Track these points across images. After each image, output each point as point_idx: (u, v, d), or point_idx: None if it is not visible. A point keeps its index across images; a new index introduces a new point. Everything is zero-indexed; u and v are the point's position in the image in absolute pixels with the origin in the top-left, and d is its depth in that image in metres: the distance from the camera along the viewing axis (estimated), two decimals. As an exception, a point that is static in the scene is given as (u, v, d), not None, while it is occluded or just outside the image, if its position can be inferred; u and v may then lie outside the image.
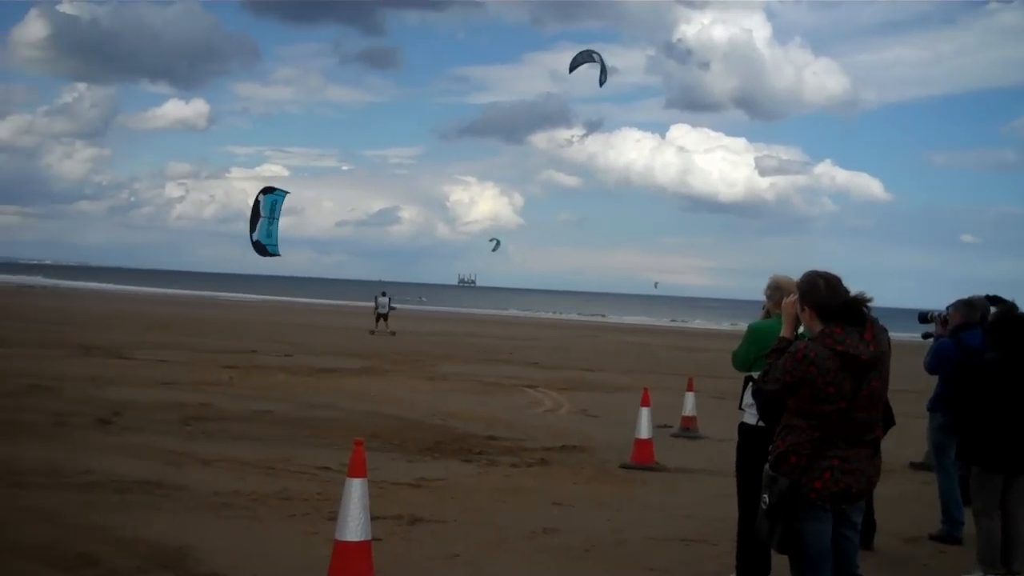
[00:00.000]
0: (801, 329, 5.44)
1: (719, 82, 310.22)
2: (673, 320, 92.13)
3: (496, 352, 33.47)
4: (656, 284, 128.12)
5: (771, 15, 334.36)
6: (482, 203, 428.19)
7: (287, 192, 23.00)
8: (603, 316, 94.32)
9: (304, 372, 22.69)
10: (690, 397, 15.47)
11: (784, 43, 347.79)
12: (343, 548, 6.43)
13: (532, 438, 14.06)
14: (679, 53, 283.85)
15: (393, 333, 40.50)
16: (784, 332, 5.40)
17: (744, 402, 7.00)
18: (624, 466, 12.14)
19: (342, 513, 6.48)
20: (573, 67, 31.79)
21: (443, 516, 9.03)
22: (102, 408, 14.79)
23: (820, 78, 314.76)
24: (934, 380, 9.56)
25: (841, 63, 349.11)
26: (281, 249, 22.76)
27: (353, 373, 23.30)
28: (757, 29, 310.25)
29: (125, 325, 32.29)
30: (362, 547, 6.44)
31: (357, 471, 6.52)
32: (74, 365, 21.65)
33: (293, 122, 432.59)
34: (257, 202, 22.37)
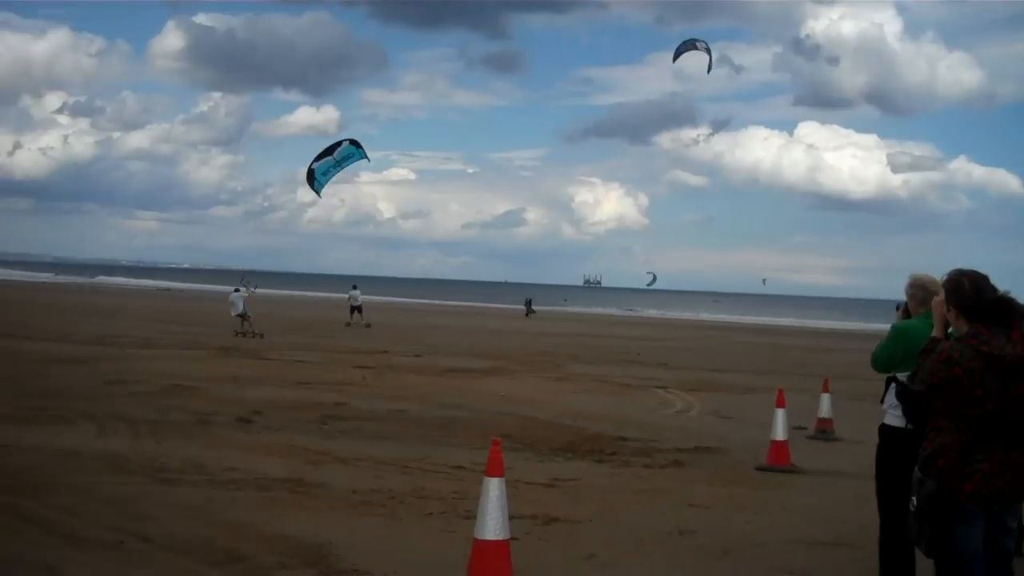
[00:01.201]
0: (951, 329, 5.29)
1: (849, 78, 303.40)
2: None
3: (623, 352, 33.33)
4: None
5: (901, 9, 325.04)
6: (607, 204, 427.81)
7: (368, 159, 23.41)
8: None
9: (434, 372, 22.98)
10: (826, 398, 15.15)
11: (916, 37, 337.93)
12: (482, 547, 6.48)
13: (664, 439, 13.96)
14: (807, 49, 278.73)
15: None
16: (935, 332, 5.26)
17: (887, 403, 6.81)
18: (760, 468, 11.96)
19: (481, 512, 6.53)
20: (676, 56, 31.59)
21: (578, 516, 9.03)
22: (242, 407, 15.23)
23: (954, 72, 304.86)
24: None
25: (975, 56, 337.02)
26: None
27: (482, 373, 23.48)
28: (888, 23, 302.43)
29: (261, 327, 33.08)
30: (501, 546, 6.48)
31: (495, 470, 6.55)
32: (214, 365, 22.37)
33: (419, 126, 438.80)
34: (339, 144, 22.74)
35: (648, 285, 77.00)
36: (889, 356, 6.70)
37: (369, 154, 23.91)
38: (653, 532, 8.62)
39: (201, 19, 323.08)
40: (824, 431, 14.88)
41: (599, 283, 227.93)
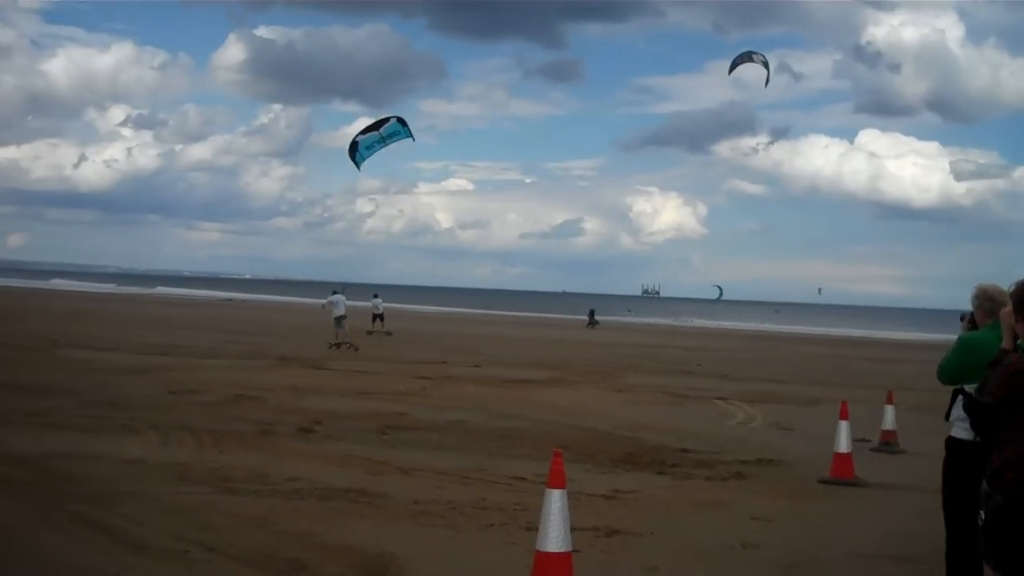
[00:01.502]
0: (1020, 340, 5.20)
1: (910, 85, 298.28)
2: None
3: (683, 363, 33.13)
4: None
5: (963, 14, 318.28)
6: (665, 213, 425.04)
7: (412, 138, 23.61)
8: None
9: (493, 383, 22.99)
10: (890, 410, 14.92)
11: (978, 43, 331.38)
12: (544, 559, 6.45)
13: (726, 451, 13.84)
14: (868, 56, 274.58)
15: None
16: (1003, 343, 5.17)
17: (953, 415, 6.70)
18: (823, 481, 11.82)
19: (543, 524, 6.49)
20: (732, 68, 31.42)
21: (639, 528, 8.98)
22: (303, 417, 15.35)
23: (1018, 78, 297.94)
24: None
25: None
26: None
27: (541, 384, 23.44)
28: (949, 29, 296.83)
29: (320, 336, 33.39)
30: (563, 558, 6.45)
31: (557, 482, 6.52)
32: (275, 375, 22.59)
33: (477, 137, 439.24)
34: (386, 120, 22.82)
35: (716, 300, 76.30)
36: (956, 368, 6.59)
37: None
38: (715, 545, 8.55)
39: (262, 32, 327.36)
40: (888, 443, 14.66)
41: (657, 293, 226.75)
